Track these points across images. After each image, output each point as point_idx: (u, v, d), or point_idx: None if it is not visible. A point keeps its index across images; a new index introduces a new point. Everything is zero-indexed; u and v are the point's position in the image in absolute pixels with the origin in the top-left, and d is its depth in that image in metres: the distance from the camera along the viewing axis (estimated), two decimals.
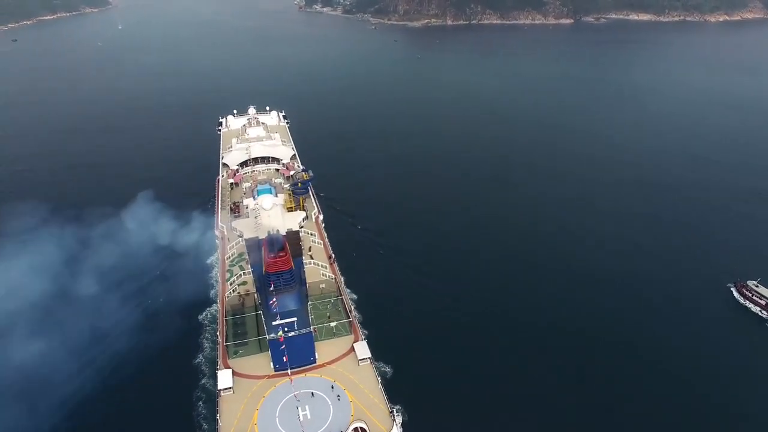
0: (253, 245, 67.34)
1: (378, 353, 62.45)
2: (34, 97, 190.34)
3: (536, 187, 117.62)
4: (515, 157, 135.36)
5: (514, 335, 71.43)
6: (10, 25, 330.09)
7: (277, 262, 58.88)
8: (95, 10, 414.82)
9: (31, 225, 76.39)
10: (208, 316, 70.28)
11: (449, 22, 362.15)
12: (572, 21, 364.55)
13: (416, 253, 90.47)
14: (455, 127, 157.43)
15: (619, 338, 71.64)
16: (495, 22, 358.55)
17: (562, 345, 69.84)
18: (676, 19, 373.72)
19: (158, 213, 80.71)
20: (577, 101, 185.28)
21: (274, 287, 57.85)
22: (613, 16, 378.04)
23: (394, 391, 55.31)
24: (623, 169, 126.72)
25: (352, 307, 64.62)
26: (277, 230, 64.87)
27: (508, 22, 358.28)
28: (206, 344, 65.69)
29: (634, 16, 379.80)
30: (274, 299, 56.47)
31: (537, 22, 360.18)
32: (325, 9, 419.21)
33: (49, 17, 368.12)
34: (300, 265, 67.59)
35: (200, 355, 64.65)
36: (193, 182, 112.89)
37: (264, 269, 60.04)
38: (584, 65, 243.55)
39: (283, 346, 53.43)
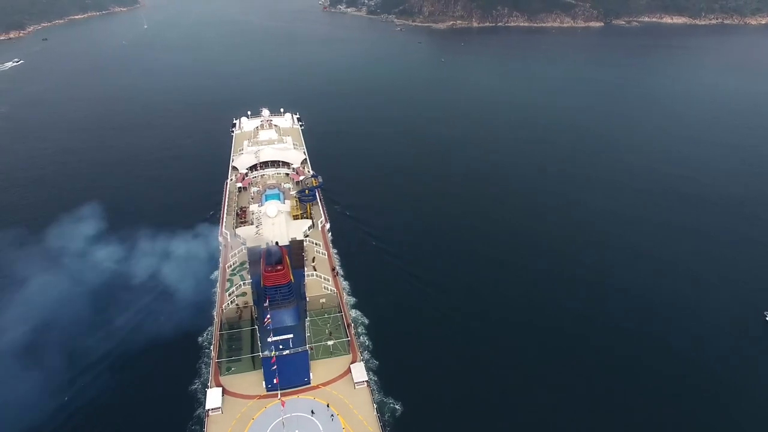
0: (255, 255, 64.84)
1: (385, 385, 59.09)
2: (53, 96, 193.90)
3: (564, 195, 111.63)
4: (540, 163, 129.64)
5: (543, 365, 65.19)
6: (43, 24, 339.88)
7: (274, 276, 56.16)
8: (124, 9, 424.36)
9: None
10: (208, 336, 65.44)
11: (475, 24, 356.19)
12: (602, 24, 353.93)
13: (433, 268, 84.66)
14: (478, 134, 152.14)
15: (642, 359, 67.09)
16: (522, 24, 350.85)
17: (586, 367, 65.05)
18: (714, 22, 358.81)
19: (161, 220, 79.05)
20: (607, 107, 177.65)
21: (269, 302, 55.07)
22: (646, 19, 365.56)
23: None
24: (653, 177, 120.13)
25: (352, 325, 61.40)
26: (276, 242, 62.17)
27: (535, 24, 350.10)
28: (204, 369, 61.70)
29: (667, 19, 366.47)
30: (268, 316, 53.63)
31: (565, 25, 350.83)
32: (349, 9, 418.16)
33: (80, 16, 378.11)
34: (301, 278, 64.92)
35: (197, 381, 60.01)
36: (205, 186, 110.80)
37: (261, 282, 57.61)
38: (615, 70, 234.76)
39: (274, 367, 50.73)
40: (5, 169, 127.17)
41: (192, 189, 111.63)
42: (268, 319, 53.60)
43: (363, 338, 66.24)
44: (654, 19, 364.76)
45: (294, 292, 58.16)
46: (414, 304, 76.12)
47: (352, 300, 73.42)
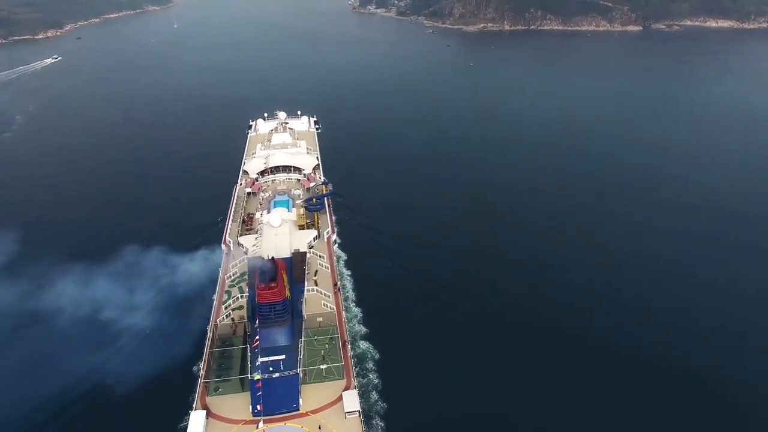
0: (255, 267, 62.08)
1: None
2: (79, 95, 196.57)
3: (607, 214, 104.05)
4: (566, 170, 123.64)
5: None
6: (79, 23, 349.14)
7: (268, 293, 53.01)
8: (157, 8, 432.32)
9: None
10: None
11: (507, 27, 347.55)
12: (641, 28, 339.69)
13: (459, 289, 77.80)
14: (505, 140, 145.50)
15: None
16: (556, 28, 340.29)
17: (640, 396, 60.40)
18: (765, 25, 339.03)
19: (168, 220, 76.83)
20: (644, 117, 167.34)
21: (260, 321, 51.98)
22: (688, 23, 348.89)
23: None
24: (701, 196, 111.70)
25: (350, 347, 57.60)
26: (272, 257, 59.00)
27: (569, 28, 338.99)
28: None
29: (712, 23, 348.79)
30: (257, 338, 50.53)
31: (601, 28, 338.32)
32: (378, 10, 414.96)
33: (114, 15, 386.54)
34: (299, 294, 61.74)
35: (188, 418, 53.44)
36: (218, 189, 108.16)
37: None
38: (654, 79, 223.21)
39: (259, 393, 47.63)
40: (24, 171, 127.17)
41: (204, 192, 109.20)
42: (257, 341, 50.58)
43: (371, 376, 60.68)
44: (697, 23, 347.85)
45: (289, 310, 54.94)
46: (437, 337, 67.89)
47: (363, 330, 67.60)
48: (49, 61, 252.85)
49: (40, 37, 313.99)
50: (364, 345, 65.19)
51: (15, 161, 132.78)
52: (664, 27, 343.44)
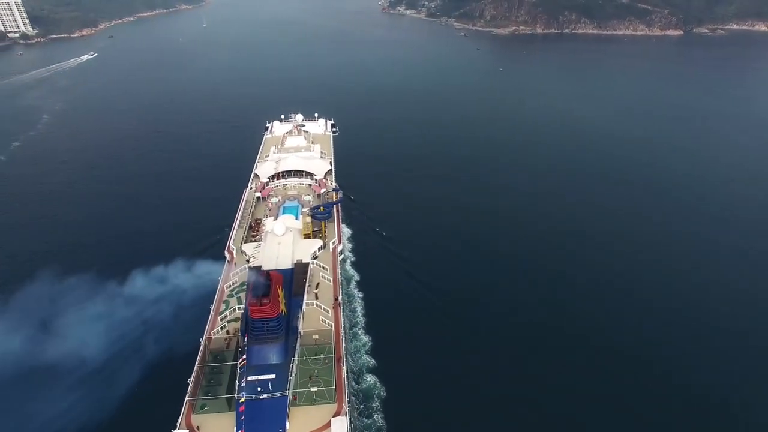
0: (251, 279, 59.52)
1: None
2: (106, 94, 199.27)
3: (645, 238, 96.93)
4: (603, 197, 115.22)
5: None
6: (114, 22, 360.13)
7: (260, 310, 50.16)
8: (190, 7, 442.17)
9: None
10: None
11: (539, 31, 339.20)
12: (681, 32, 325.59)
13: (476, 309, 73.36)
14: (534, 160, 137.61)
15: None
16: (590, 32, 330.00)
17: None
18: None
19: (168, 234, 75.18)
20: (688, 132, 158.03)
21: (249, 338, 49.19)
22: (734, 26, 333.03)
23: None
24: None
25: (344, 369, 54.19)
26: (267, 271, 56.17)
27: (605, 32, 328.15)
28: None
29: (761, 27, 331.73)
30: (243, 357, 47.73)
31: (639, 33, 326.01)
32: (408, 11, 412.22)
33: (148, 14, 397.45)
34: (297, 308, 58.76)
35: None
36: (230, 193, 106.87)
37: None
38: (697, 88, 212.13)
39: (243, 418, 44.78)
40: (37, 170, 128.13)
41: (218, 194, 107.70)
42: (244, 359, 47.82)
43: (376, 416, 56.51)
44: (744, 27, 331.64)
45: (283, 326, 51.99)
46: (451, 371, 62.13)
47: (370, 362, 62.82)
48: (85, 57, 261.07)
49: (76, 35, 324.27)
50: (370, 379, 60.47)
51: (33, 161, 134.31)
52: (707, 31, 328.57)
